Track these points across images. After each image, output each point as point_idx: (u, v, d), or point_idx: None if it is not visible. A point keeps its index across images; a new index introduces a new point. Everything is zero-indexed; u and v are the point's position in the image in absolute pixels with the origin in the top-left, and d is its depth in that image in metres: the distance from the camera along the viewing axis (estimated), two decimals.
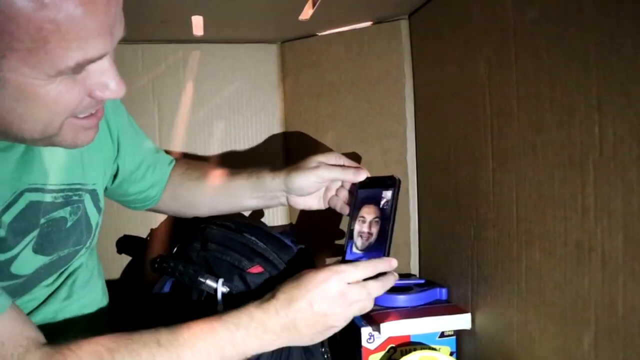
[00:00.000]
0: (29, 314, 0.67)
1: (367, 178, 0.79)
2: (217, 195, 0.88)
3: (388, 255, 0.72)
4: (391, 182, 0.76)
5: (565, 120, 0.59)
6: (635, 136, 0.50)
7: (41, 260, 0.66)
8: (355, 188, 0.79)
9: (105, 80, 0.51)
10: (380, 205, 0.75)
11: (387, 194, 0.75)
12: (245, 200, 0.87)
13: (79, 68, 0.47)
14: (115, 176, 0.82)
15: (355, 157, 1.01)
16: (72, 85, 0.49)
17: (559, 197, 0.61)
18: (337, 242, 0.75)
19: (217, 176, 0.88)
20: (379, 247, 0.73)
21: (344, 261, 0.74)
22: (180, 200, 0.90)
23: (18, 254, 0.62)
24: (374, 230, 0.74)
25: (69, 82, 0.48)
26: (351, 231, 0.76)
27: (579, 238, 0.58)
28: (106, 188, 0.85)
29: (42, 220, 0.65)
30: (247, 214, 1.13)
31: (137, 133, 0.84)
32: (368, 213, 0.76)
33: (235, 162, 1.10)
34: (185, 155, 1.09)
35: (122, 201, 0.90)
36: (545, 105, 0.62)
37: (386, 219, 0.74)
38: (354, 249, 0.75)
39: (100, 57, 0.48)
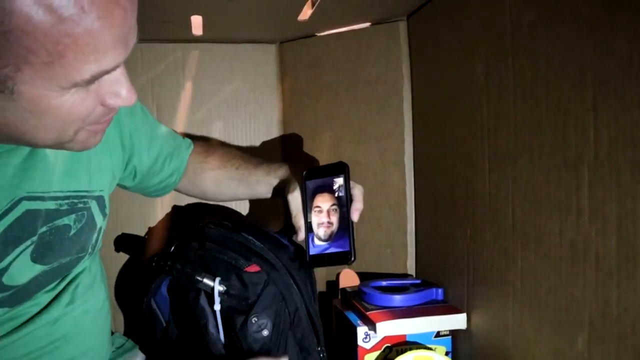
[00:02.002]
0: (29, 319, 0.66)
1: (312, 168, 0.78)
2: (237, 187, 0.89)
3: (354, 245, 0.72)
4: (340, 169, 0.75)
5: (561, 122, 0.59)
6: (629, 139, 0.50)
7: (39, 269, 0.64)
8: (302, 180, 0.78)
9: (117, 89, 0.51)
10: (335, 194, 0.75)
11: (339, 181, 0.75)
12: (263, 193, 0.88)
13: (93, 79, 0.47)
14: (134, 175, 0.83)
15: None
16: (85, 95, 0.48)
17: (554, 199, 0.61)
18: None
19: (235, 168, 0.88)
20: (342, 236, 0.73)
21: (309, 256, 0.74)
22: (201, 188, 0.92)
23: (9, 265, 0.61)
24: (334, 219, 0.74)
25: (83, 92, 0.48)
26: (309, 223, 0.75)
27: (573, 240, 0.58)
28: (126, 187, 0.86)
29: (44, 229, 0.63)
30: (244, 213, 1.13)
31: (151, 126, 0.83)
32: (323, 202, 0.75)
33: None
34: None
35: (143, 193, 0.90)
36: (541, 107, 0.62)
37: (344, 206, 0.73)
38: (317, 241, 0.75)
39: (114, 68, 0.48)
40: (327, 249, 0.73)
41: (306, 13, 0.92)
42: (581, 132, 0.56)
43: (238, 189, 0.89)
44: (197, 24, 0.96)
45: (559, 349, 0.62)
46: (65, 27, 0.41)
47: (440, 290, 0.90)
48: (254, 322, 0.75)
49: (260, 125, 1.13)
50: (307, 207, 0.76)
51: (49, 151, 0.62)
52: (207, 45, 1.09)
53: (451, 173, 0.87)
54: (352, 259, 0.72)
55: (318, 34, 1.08)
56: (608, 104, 0.53)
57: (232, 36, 1.08)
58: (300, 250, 0.86)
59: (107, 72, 0.47)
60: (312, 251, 0.74)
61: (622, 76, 0.51)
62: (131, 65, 1.04)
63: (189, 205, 1.10)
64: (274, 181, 0.85)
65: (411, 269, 1.03)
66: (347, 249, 0.73)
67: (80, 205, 0.69)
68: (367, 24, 1.02)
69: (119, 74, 0.50)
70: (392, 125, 1.01)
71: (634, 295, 0.51)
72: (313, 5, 0.88)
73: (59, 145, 0.53)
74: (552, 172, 0.61)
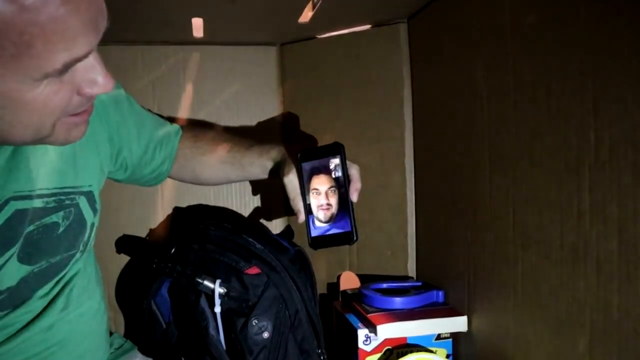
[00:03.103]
0: (24, 327, 0.65)
1: (307, 150, 0.77)
2: (228, 169, 0.89)
3: (355, 225, 0.72)
4: (336, 149, 0.75)
5: (562, 124, 0.59)
6: (630, 141, 0.50)
7: (27, 269, 0.63)
8: (297, 162, 0.77)
9: (93, 76, 0.49)
10: (332, 174, 0.75)
11: (335, 161, 0.75)
12: (257, 175, 0.88)
13: (65, 69, 0.45)
14: (125, 168, 0.82)
15: None
16: (59, 86, 0.47)
17: (555, 201, 0.61)
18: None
19: (227, 151, 0.88)
20: (343, 217, 0.73)
21: (311, 238, 0.75)
22: (192, 172, 0.91)
23: (0, 268, 0.60)
24: (333, 200, 0.74)
25: (56, 83, 0.46)
26: (308, 206, 0.76)
27: (574, 242, 0.58)
28: (119, 179, 0.85)
29: (31, 228, 0.62)
30: (245, 214, 1.13)
31: (138, 115, 0.82)
32: (320, 183, 0.75)
33: None
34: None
35: (138, 183, 0.89)
36: (542, 109, 0.62)
37: (342, 187, 0.74)
38: (317, 223, 0.75)
39: (86, 55, 0.46)
40: (328, 230, 0.74)
41: (307, 15, 0.92)
42: (582, 134, 0.56)
43: (231, 172, 0.88)
44: (197, 26, 0.96)
45: (560, 351, 0.62)
46: (28, 16, 0.40)
47: (441, 293, 0.90)
48: (254, 324, 0.75)
49: (261, 127, 1.13)
50: (304, 189, 0.76)
51: (31, 149, 0.61)
52: (207, 47, 1.09)
53: (452, 175, 0.86)
54: (355, 238, 0.73)
55: (318, 36, 1.08)
56: (608, 106, 0.53)
57: (233, 38, 1.08)
58: (301, 254, 0.86)
59: (79, 59, 0.46)
60: (314, 233, 0.75)
61: (623, 78, 0.51)
62: (132, 67, 1.05)
63: (190, 207, 1.10)
64: (268, 163, 0.84)
65: (412, 271, 1.02)
66: (349, 229, 0.73)
67: (68, 201, 0.67)
68: (368, 26, 1.02)
69: (93, 61, 0.49)
70: (392, 128, 1.01)
71: (635, 297, 0.51)
72: (314, 7, 0.88)
73: (39, 141, 0.52)
74: (553, 174, 0.61)
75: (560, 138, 0.59)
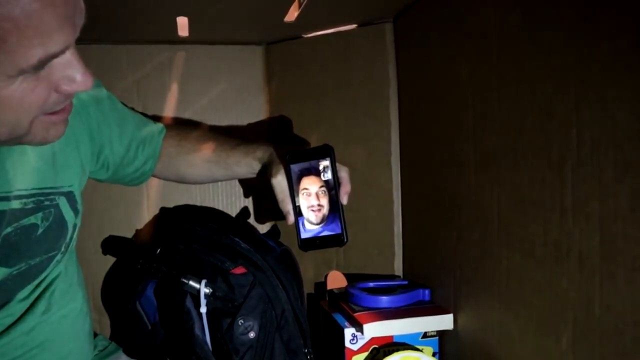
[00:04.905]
0: (4, 330, 0.64)
1: (297, 151, 0.77)
2: (213, 169, 0.88)
3: (345, 229, 0.72)
4: (326, 152, 0.75)
5: (545, 123, 0.60)
6: (611, 139, 0.51)
7: (4, 272, 0.62)
8: (286, 164, 0.77)
9: (71, 73, 0.48)
10: (321, 176, 0.75)
11: (325, 163, 0.75)
12: (243, 174, 0.87)
13: (41, 65, 0.44)
14: (107, 167, 0.81)
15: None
16: (35, 83, 0.46)
17: (538, 199, 0.62)
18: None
19: (212, 150, 0.87)
20: (333, 219, 0.73)
21: (301, 240, 0.74)
22: (177, 171, 0.90)
23: None
24: (324, 201, 0.74)
25: (32, 80, 0.45)
26: (298, 207, 0.75)
27: (557, 239, 0.59)
28: (101, 179, 0.84)
29: (8, 229, 0.61)
30: (233, 213, 1.13)
31: (120, 114, 0.81)
32: (310, 184, 0.75)
33: None
34: None
35: (121, 183, 0.88)
36: (526, 108, 0.63)
37: (332, 189, 0.74)
38: (308, 225, 0.75)
39: (63, 51, 0.45)
40: (319, 232, 0.74)
41: (292, 14, 0.92)
42: (564, 133, 0.57)
43: (216, 171, 0.88)
44: (183, 25, 0.95)
45: (544, 347, 0.62)
46: (1, 10, 0.39)
47: (427, 291, 0.90)
48: (240, 324, 0.75)
49: (247, 126, 1.13)
50: (293, 191, 0.76)
51: (8, 149, 0.60)
52: (193, 46, 1.08)
53: (437, 174, 0.87)
54: (345, 241, 0.73)
55: (304, 36, 1.08)
56: (590, 105, 0.53)
57: (219, 37, 1.07)
58: (288, 254, 0.86)
59: (56, 55, 0.45)
60: (304, 235, 0.74)
61: (603, 78, 0.52)
62: (116, 67, 1.04)
63: (176, 207, 1.10)
64: (254, 162, 0.84)
65: (398, 269, 1.03)
66: (340, 231, 0.73)
67: (47, 202, 0.66)
68: (354, 26, 1.03)
69: (71, 57, 0.48)
70: (378, 127, 1.01)
71: (616, 294, 0.51)
72: (300, 6, 0.88)
73: (15, 140, 0.51)
74: (536, 172, 0.62)
75: (543, 136, 0.60)
